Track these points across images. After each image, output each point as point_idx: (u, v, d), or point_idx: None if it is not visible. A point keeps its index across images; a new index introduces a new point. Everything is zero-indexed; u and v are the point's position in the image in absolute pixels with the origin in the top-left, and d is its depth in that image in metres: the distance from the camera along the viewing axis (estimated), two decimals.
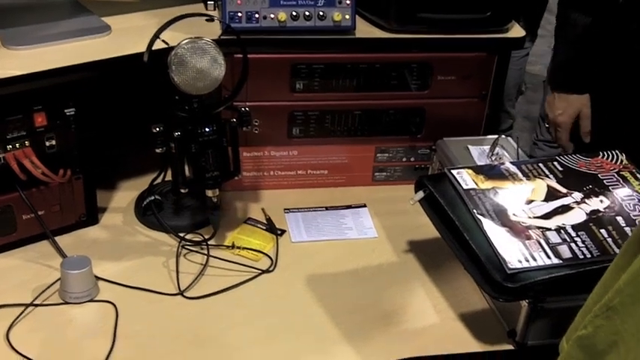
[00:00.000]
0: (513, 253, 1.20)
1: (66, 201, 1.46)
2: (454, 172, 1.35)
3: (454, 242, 1.27)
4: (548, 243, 1.22)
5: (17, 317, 1.28)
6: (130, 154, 1.70)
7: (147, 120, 1.40)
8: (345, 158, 1.66)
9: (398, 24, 1.54)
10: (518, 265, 1.19)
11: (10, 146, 1.34)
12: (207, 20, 1.43)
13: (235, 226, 1.55)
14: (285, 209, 1.60)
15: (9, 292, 1.33)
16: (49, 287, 1.34)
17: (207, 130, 1.36)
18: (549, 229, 1.25)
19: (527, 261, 1.19)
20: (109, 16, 1.50)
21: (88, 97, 1.42)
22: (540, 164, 1.39)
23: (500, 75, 1.62)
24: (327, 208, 1.61)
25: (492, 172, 1.36)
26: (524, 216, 1.27)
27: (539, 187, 1.33)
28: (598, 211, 1.29)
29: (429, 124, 1.65)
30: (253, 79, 1.49)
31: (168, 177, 1.54)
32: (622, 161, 1.40)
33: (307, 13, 1.47)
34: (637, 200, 1.32)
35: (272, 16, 1.46)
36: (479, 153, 1.55)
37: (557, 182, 1.35)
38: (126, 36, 1.46)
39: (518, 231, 1.24)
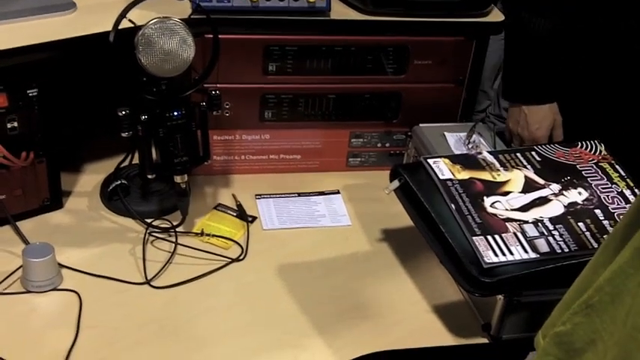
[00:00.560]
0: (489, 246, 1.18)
1: (28, 185, 1.41)
2: (430, 161, 1.32)
3: (429, 234, 1.24)
4: (525, 236, 1.20)
5: None
6: (97, 136, 1.64)
7: (114, 101, 1.34)
8: (318, 143, 1.62)
9: (374, 5, 1.49)
10: (495, 260, 1.16)
11: None
12: None
13: (205, 212, 1.50)
14: (256, 195, 1.56)
15: None
16: (10, 275, 1.29)
17: (175, 114, 1.32)
18: (527, 222, 1.22)
19: (504, 255, 1.17)
20: None
21: (52, 77, 1.36)
22: (518, 154, 1.36)
23: (478, 60, 1.58)
24: (299, 195, 1.57)
25: (469, 161, 1.33)
26: (501, 208, 1.24)
27: (516, 178, 1.30)
28: (576, 203, 1.26)
29: (405, 109, 1.61)
30: (225, 61, 1.44)
31: (136, 160, 1.49)
32: (601, 152, 1.38)
33: None
34: (615, 193, 1.29)
35: None
36: (455, 140, 1.52)
37: (535, 173, 1.32)
38: (92, 14, 1.40)
39: (495, 224, 1.21)
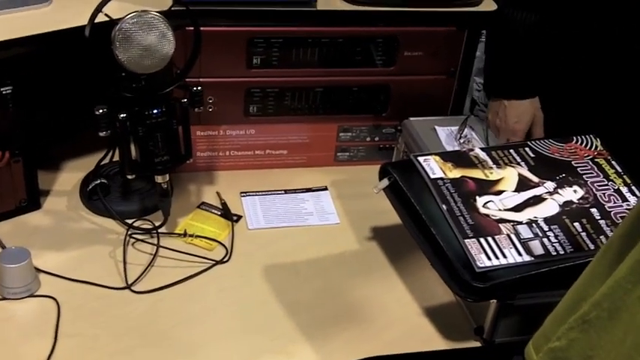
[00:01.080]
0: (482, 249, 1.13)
1: (4, 185, 1.35)
2: (421, 159, 1.27)
3: (420, 236, 1.20)
4: (519, 238, 1.15)
5: None
6: (76, 132, 1.59)
7: (94, 96, 1.29)
8: (305, 137, 1.57)
9: None
10: (488, 263, 1.11)
11: None
12: None
13: (188, 211, 1.46)
14: (241, 193, 1.51)
15: None
16: None
17: (155, 111, 1.26)
18: (520, 223, 1.18)
19: (497, 258, 1.12)
20: None
21: (28, 74, 1.30)
22: (511, 150, 1.31)
23: (470, 51, 1.53)
24: (286, 192, 1.52)
25: (461, 159, 1.28)
26: (494, 208, 1.20)
27: (510, 176, 1.26)
28: (571, 202, 1.22)
29: (395, 103, 1.56)
30: (207, 54, 1.39)
31: (117, 157, 1.44)
32: (597, 147, 1.33)
33: None
34: (612, 190, 1.25)
35: None
36: (446, 134, 1.47)
37: (529, 170, 1.27)
38: (69, 7, 1.34)
39: (488, 225, 1.17)
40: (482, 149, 1.31)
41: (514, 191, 1.23)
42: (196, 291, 1.29)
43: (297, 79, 1.50)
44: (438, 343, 1.22)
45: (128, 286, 1.27)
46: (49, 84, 1.45)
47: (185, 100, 1.31)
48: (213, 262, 1.34)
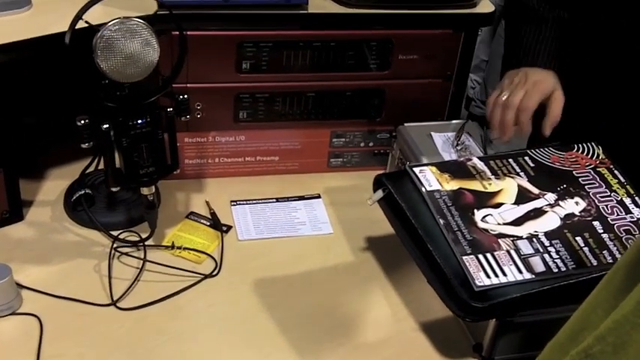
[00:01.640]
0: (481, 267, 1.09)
1: None
2: (416, 170, 1.22)
3: (416, 250, 1.15)
4: (519, 254, 1.11)
5: None
6: (60, 139, 1.53)
7: (76, 104, 1.24)
8: (297, 144, 1.52)
9: None
10: (487, 282, 1.07)
11: None
12: None
13: (176, 221, 1.41)
14: (231, 201, 1.46)
15: None
16: None
17: (140, 121, 1.21)
18: (520, 238, 1.13)
19: (497, 276, 1.08)
20: None
21: (7, 81, 1.25)
22: (510, 159, 1.27)
23: (466, 54, 1.48)
24: (277, 200, 1.48)
25: (458, 169, 1.24)
26: (493, 222, 1.15)
27: (509, 187, 1.21)
28: (573, 215, 1.17)
29: (389, 107, 1.51)
30: (195, 59, 1.34)
31: (102, 165, 1.39)
32: (598, 155, 1.28)
33: None
34: (615, 202, 1.20)
35: None
36: (443, 141, 1.42)
37: (529, 181, 1.22)
38: (49, 12, 1.28)
39: (487, 240, 1.12)
40: (480, 159, 1.26)
41: (513, 204, 1.18)
42: (185, 307, 1.24)
43: (288, 83, 1.45)
44: None
45: (113, 303, 1.23)
46: (30, 91, 1.40)
47: (171, 109, 1.26)
48: (202, 276, 1.29)
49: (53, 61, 1.28)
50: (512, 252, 1.11)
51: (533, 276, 1.08)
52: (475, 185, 1.21)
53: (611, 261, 1.11)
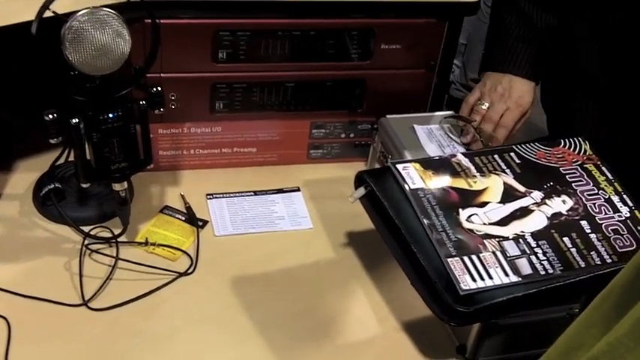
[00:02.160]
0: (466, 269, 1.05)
1: None
2: (399, 167, 1.18)
3: (399, 251, 1.11)
4: (505, 256, 1.07)
5: None
6: (30, 129, 1.48)
7: (46, 93, 1.18)
8: (276, 135, 1.48)
9: None
10: (473, 286, 1.03)
11: None
12: None
13: (149, 216, 1.36)
14: (207, 195, 1.41)
15: None
16: None
17: (111, 116, 1.16)
18: (507, 239, 1.10)
19: (483, 279, 1.04)
20: None
21: None
22: (496, 155, 1.23)
23: (450, 44, 1.44)
24: (255, 193, 1.43)
25: (442, 166, 1.20)
26: (478, 222, 1.11)
27: (494, 185, 1.17)
28: (560, 214, 1.14)
29: (371, 98, 1.46)
30: (169, 48, 1.29)
31: (73, 157, 1.34)
32: (585, 151, 1.25)
33: None
34: (602, 200, 1.17)
35: None
36: (426, 134, 1.38)
37: (515, 179, 1.19)
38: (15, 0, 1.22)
39: (472, 242, 1.09)
40: (465, 155, 1.22)
41: (499, 202, 1.15)
42: (159, 307, 1.20)
43: (266, 73, 1.40)
44: None
45: (85, 303, 1.18)
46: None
47: (143, 102, 1.20)
48: (177, 274, 1.25)
49: (20, 51, 1.23)
50: (499, 253, 1.07)
51: (520, 279, 1.05)
52: (460, 183, 1.17)
53: (599, 262, 1.08)
